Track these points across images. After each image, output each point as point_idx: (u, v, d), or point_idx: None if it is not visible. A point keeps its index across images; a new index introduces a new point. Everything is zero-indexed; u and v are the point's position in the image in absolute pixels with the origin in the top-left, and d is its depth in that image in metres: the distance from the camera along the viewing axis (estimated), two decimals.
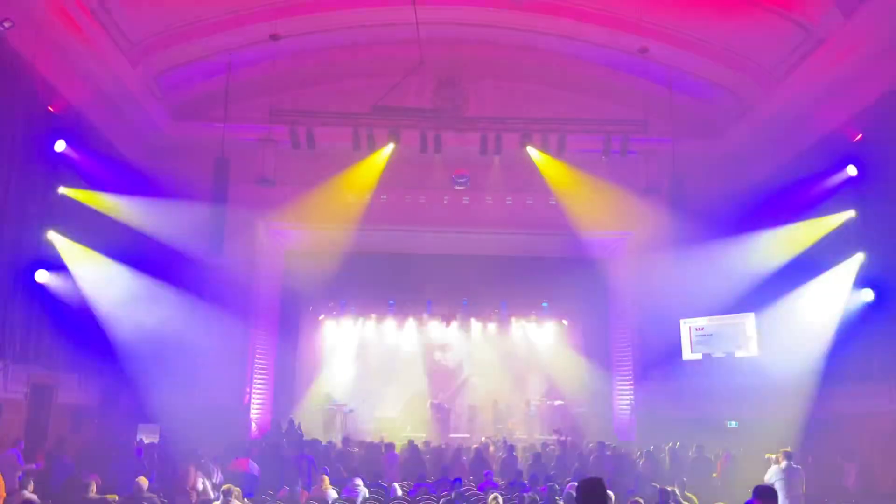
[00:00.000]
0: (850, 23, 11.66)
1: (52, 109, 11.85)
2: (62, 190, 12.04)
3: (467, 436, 18.20)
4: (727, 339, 15.57)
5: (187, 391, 14.29)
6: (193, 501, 9.68)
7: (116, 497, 9.14)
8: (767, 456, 10.04)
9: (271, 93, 13.87)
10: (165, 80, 14.79)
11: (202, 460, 10.72)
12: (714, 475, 12.13)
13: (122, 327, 13.21)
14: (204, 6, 13.14)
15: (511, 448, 13.34)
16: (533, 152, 14.77)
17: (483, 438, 16.53)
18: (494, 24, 14.59)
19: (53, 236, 11.70)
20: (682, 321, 16.20)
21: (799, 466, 9.42)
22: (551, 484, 9.20)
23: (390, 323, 21.55)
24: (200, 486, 9.93)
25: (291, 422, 16.04)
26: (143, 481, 8.92)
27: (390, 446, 13.65)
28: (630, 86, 15.43)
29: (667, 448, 13.44)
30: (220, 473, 10.77)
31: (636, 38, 13.14)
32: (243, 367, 16.11)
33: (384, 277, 18.78)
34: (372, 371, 21.06)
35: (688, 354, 16.08)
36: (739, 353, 15.28)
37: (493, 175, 15.99)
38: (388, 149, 14.55)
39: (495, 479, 11.80)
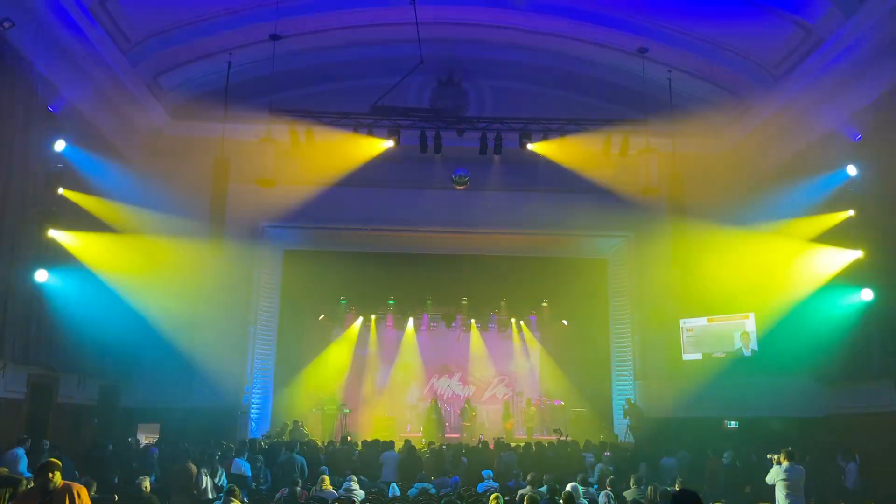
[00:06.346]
0: (850, 23, 11.69)
1: (51, 109, 11.83)
2: (62, 191, 12.02)
3: (466, 435, 18.20)
4: (727, 339, 15.57)
5: (187, 391, 14.27)
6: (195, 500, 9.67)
7: (116, 497, 9.14)
8: (769, 456, 10.03)
9: (271, 93, 13.85)
10: (165, 80, 14.79)
11: (214, 457, 10.71)
12: (707, 475, 12.13)
13: (120, 327, 13.20)
14: (204, 6, 13.14)
15: (505, 447, 13.34)
16: (534, 150, 14.77)
17: (482, 437, 16.53)
18: (494, 24, 14.59)
19: (53, 236, 11.68)
20: (682, 321, 16.21)
21: (801, 466, 9.42)
22: (552, 484, 9.17)
23: (390, 322, 21.57)
24: (203, 485, 9.91)
25: (295, 423, 16.02)
26: (145, 481, 8.90)
27: (389, 446, 13.63)
28: (630, 86, 15.42)
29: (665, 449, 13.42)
30: (223, 474, 10.77)
31: (636, 38, 13.15)
32: (243, 368, 16.09)
33: (384, 277, 18.78)
34: (371, 371, 21.09)
35: (687, 354, 16.08)
36: (739, 353, 15.28)
37: (493, 175, 15.99)
38: (386, 144, 14.47)
39: (494, 478, 11.78)
